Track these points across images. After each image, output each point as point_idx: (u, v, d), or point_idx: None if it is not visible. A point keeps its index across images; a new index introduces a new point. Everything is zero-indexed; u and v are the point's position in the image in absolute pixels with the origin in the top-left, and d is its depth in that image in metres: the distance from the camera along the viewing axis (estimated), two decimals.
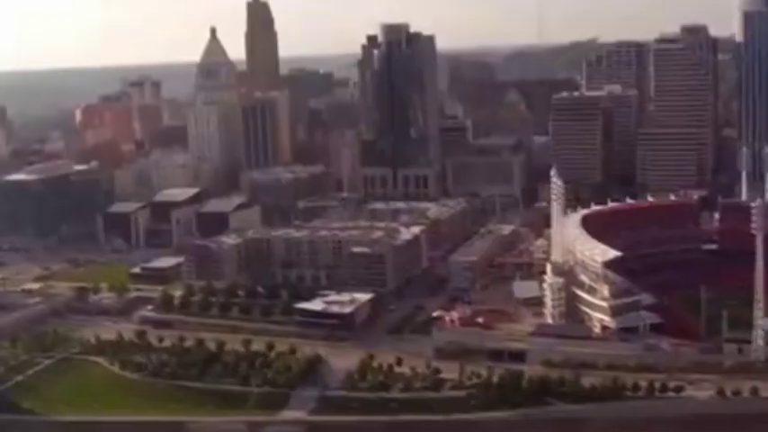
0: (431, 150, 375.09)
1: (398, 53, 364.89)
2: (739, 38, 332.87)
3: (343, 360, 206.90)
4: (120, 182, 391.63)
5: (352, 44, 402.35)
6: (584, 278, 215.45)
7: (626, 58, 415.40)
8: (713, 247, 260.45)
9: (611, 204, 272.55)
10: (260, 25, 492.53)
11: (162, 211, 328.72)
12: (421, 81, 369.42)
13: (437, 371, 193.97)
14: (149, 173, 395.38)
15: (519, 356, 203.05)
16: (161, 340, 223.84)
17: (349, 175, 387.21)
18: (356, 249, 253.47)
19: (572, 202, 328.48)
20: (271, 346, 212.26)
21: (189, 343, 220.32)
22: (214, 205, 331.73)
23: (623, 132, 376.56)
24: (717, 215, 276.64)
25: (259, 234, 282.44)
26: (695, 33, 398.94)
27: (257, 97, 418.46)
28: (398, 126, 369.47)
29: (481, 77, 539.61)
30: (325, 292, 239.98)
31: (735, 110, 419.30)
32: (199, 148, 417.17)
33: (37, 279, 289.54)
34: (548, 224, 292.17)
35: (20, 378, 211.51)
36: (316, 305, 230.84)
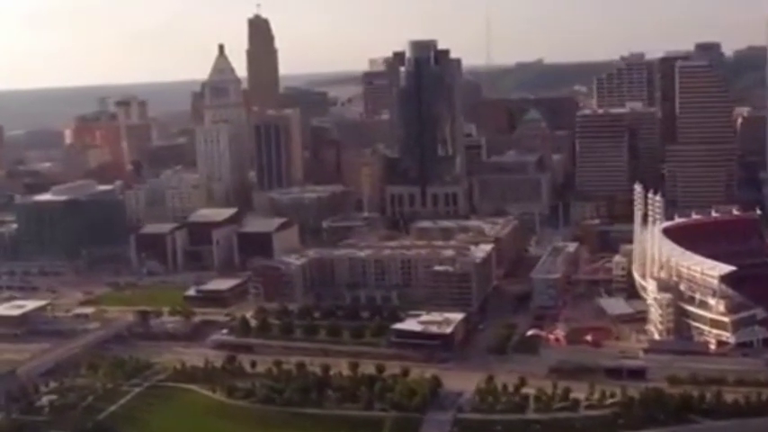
0: (457, 168, 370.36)
1: (427, 70, 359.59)
2: None
3: (457, 382, 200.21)
4: (129, 202, 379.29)
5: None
6: (694, 293, 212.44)
7: (637, 75, 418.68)
8: None
9: (678, 220, 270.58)
10: (261, 42, 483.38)
11: (199, 231, 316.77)
12: (450, 99, 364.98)
13: (568, 390, 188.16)
14: (162, 193, 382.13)
15: (638, 374, 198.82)
16: (254, 365, 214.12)
17: (369, 194, 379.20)
18: (439, 268, 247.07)
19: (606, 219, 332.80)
20: (381, 369, 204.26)
21: (286, 367, 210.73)
22: (254, 225, 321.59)
23: (647, 149, 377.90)
24: None
25: (320, 254, 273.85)
26: (709, 50, 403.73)
27: (271, 115, 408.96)
28: (426, 144, 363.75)
29: (473, 95, 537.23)
30: (416, 312, 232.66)
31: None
32: (208, 167, 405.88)
33: (83, 304, 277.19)
34: (600, 240, 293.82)
35: (114, 408, 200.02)
36: (411, 325, 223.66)
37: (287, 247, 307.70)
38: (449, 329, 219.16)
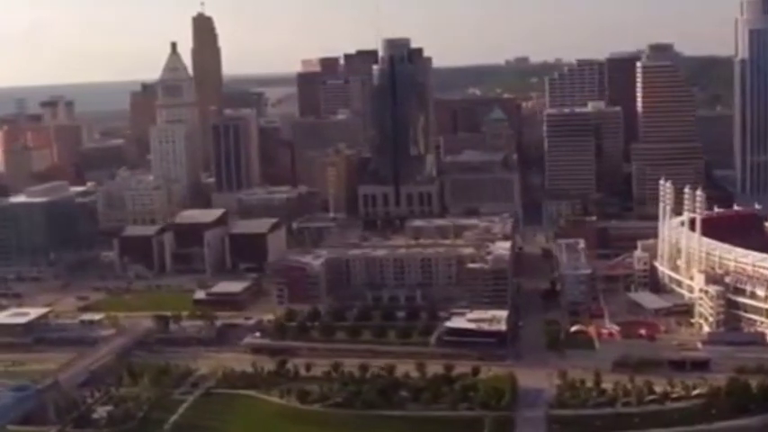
0: (428, 168, 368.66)
1: (400, 68, 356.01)
2: (743, 55, 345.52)
3: (524, 379, 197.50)
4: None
5: None
6: (743, 285, 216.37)
7: (589, 75, 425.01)
8: None
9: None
10: (205, 41, 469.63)
11: (187, 233, 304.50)
12: (422, 97, 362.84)
13: (650, 383, 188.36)
14: (118, 195, 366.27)
15: (702, 365, 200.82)
16: (308, 368, 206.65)
17: (335, 195, 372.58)
18: (473, 265, 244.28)
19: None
20: (449, 369, 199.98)
21: (346, 370, 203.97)
22: (246, 227, 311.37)
23: (609, 148, 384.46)
24: None
25: (336, 254, 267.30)
26: (664, 51, 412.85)
27: (229, 115, 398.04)
28: (399, 143, 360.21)
29: None
30: (460, 310, 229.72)
31: None
32: (164, 168, 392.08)
33: (82, 310, 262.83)
34: (599, 237, 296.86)
35: (175, 418, 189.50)
36: (462, 323, 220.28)
37: (277, 249, 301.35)
38: (503, 327, 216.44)
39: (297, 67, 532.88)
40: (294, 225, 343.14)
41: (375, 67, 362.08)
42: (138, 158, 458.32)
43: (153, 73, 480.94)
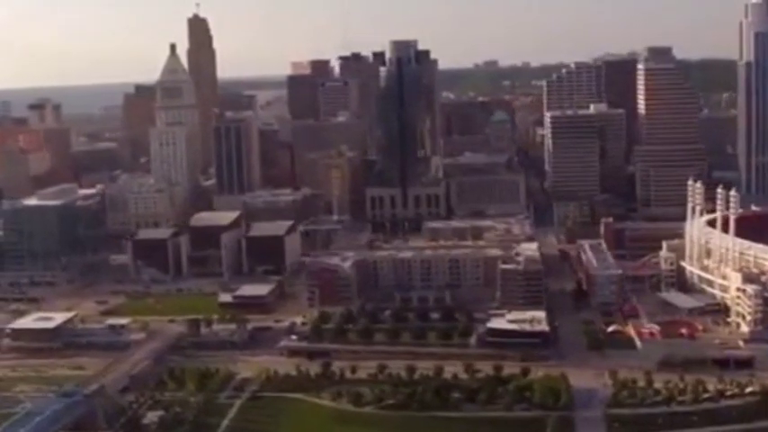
0: (434, 169, 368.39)
1: (407, 70, 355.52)
2: (747, 57, 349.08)
3: (575, 379, 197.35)
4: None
5: None
6: None
7: (586, 78, 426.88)
8: None
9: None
10: (201, 42, 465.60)
11: (202, 236, 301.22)
12: (429, 99, 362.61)
13: (701, 381, 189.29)
14: (120, 198, 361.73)
15: (746, 363, 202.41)
16: (354, 371, 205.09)
17: (339, 197, 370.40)
18: (506, 266, 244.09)
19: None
20: (498, 369, 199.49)
21: (393, 372, 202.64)
22: (262, 229, 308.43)
23: (614, 149, 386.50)
24: None
25: (363, 255, 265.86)
26: (663, 54, 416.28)
27: (230, 117, 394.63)
28: (406, 145, 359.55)
29: None
30: (499, 311, 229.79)
31: None
32: (164, 170, 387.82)
33: (104, 314, 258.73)
34: (617, 238, 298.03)
35: (227, 422, 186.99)
36: (503, 324, 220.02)
37: (293, 252, 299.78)
38: (546, 327, 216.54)
39: (282, 70, 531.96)
40: (300, 227, 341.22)
41: (382, 68, 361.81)
42: (132, 161, 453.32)
43: (131, 76, 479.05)
